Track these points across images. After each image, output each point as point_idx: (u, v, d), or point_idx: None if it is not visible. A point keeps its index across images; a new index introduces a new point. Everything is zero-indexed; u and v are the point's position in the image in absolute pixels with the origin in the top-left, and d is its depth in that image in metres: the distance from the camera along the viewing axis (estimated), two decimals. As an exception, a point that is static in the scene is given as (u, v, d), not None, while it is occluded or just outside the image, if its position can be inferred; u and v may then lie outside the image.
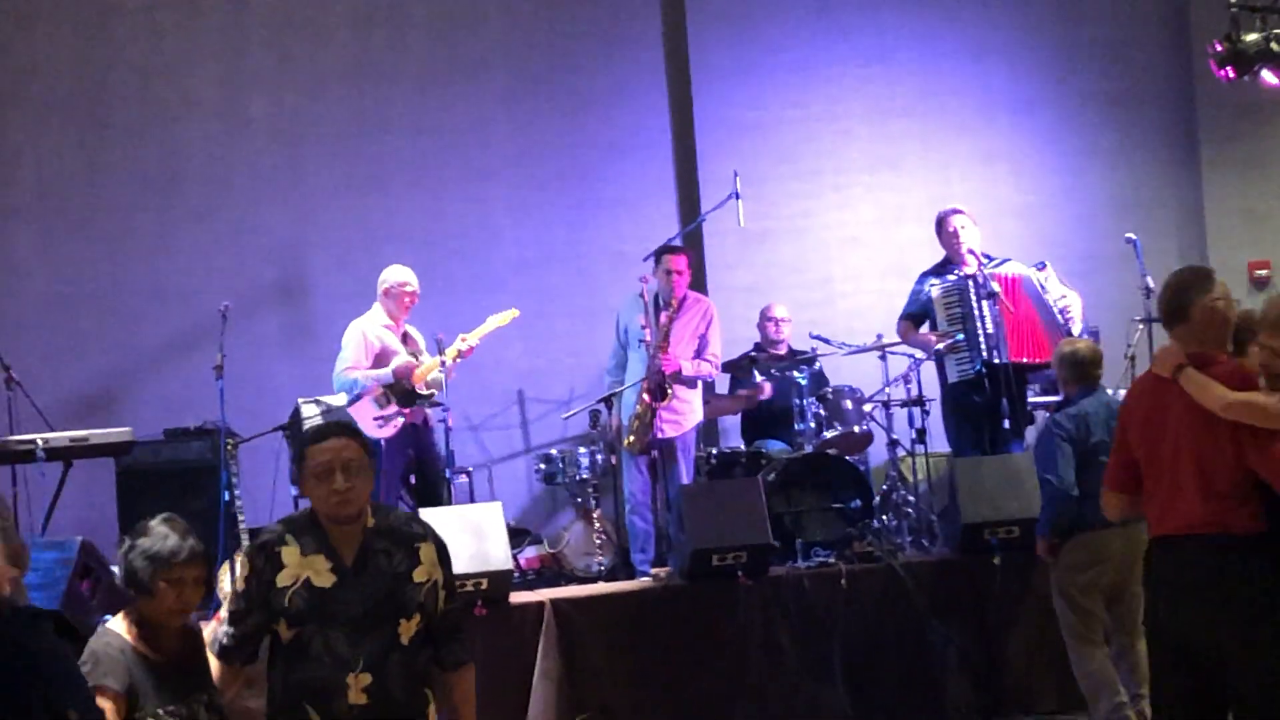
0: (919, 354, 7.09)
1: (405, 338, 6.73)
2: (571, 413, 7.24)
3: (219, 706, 3.49)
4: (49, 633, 2.84)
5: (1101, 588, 5.49)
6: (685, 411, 6.83)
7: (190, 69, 7.91)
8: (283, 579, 3.28)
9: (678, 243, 7.26)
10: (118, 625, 3.39)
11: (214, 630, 3.64)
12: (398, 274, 6.73)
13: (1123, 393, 7.14)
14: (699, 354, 6.85)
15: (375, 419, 6.63)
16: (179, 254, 7.82)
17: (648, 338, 6.66)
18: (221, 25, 7.82)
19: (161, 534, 3.25)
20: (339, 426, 3.48)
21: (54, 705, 2.75)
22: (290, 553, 3.29)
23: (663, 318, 6.74)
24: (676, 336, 6.75)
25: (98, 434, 6.85)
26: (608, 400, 6.92)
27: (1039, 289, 6.79)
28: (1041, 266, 6.90)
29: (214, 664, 3.49)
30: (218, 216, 7.82)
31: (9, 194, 7.83)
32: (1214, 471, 3.54)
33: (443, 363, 6.55)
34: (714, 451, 7.16)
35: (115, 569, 3.65)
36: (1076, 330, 6.73)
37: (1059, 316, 6.68)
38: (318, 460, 3.32)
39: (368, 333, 6.68)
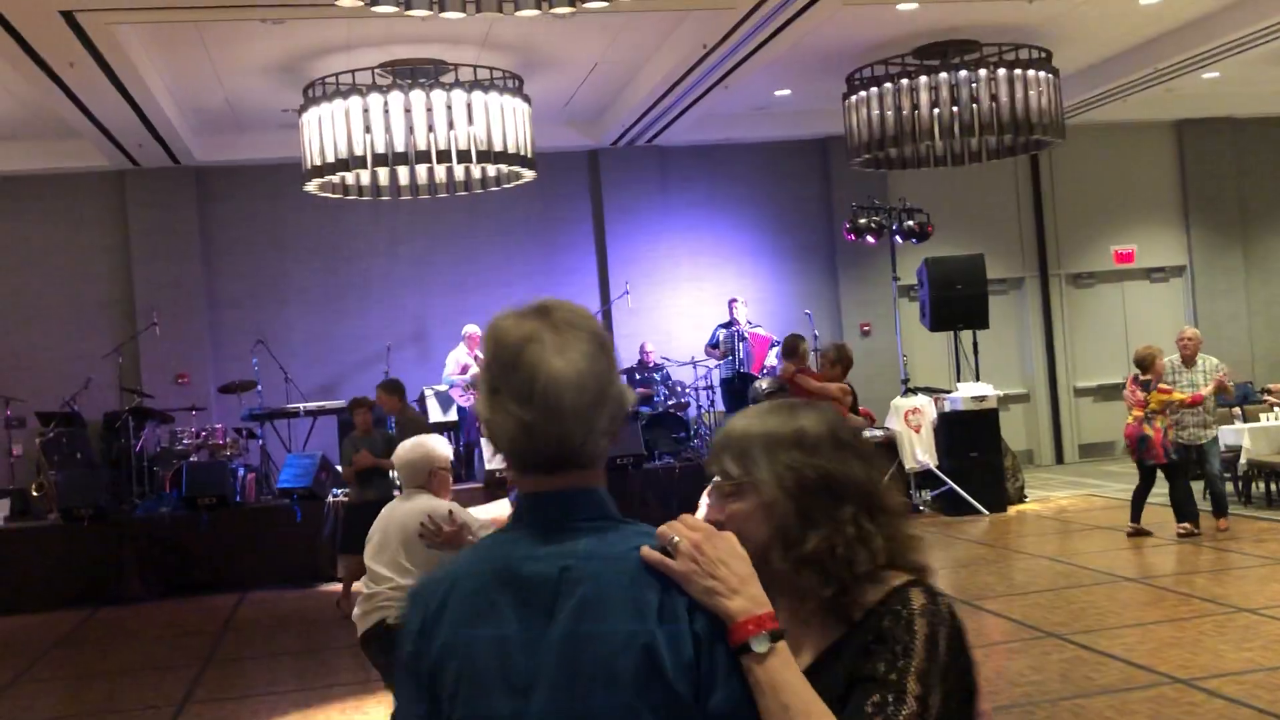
0: (713, 363, 15.06)
1: (478, 357, 14.36)
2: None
3: None
4: None
5: None
6: None
7: None
8: None
9: (596, 314, 15.24)
10: None
11: None
12: (472, 329, 14.05)
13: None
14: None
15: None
16: None
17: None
18: None
19: None
20: None
21: None
22: None
23: None
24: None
25: None
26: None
27: (766, 344, 14.79)
28: (778, 343, 14.87)
29: None
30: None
31: None
32: None
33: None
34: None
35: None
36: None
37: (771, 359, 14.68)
38: None
39: (459, 356, 14.34)
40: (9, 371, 14.43)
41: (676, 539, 1.66)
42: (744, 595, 1.64)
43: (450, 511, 4.83)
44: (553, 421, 1.68)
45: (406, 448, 5.17)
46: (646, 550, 1.66)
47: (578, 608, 1.64)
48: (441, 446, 5.24)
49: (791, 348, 11.17)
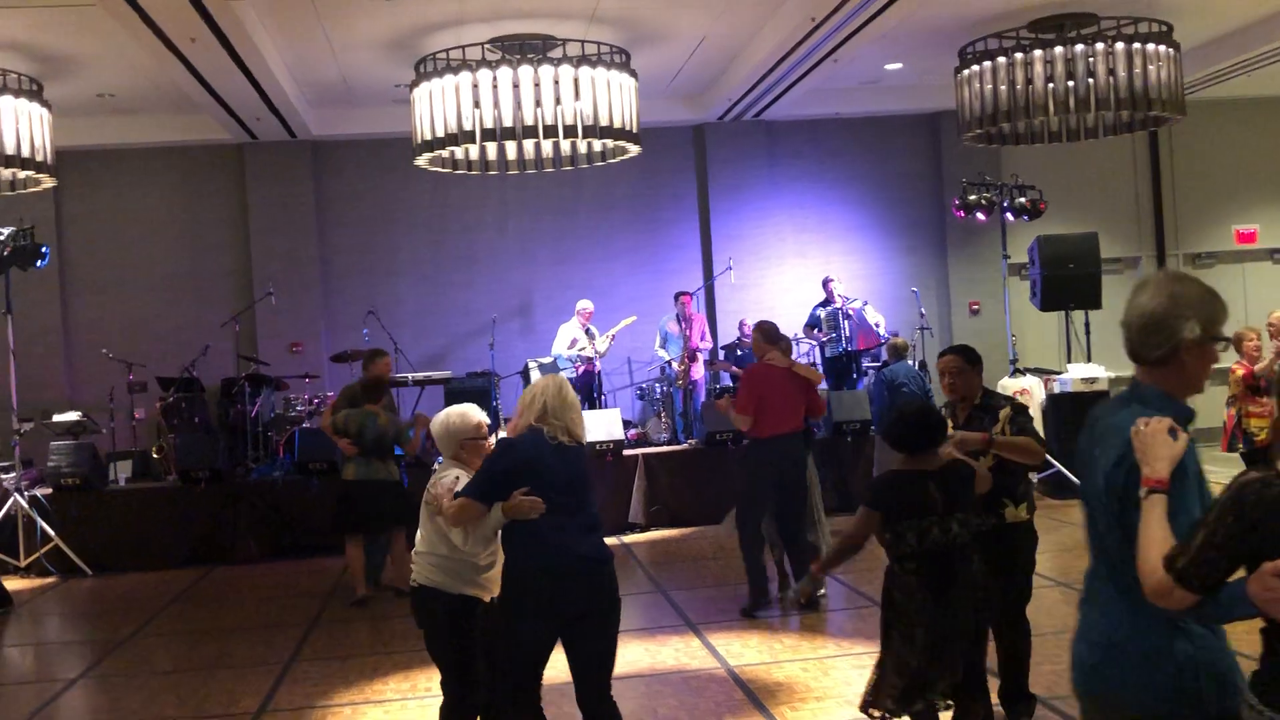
0: (813, 343, 15.05)
1: (588, 331, 14.51)
2: (652, 366, 15.11)
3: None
4: None
5: None
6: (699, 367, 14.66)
7: None
8: None
9: (699, 290, 15.21)
10: None
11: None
12: (585, 304, 14.42)
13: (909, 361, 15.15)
14: (700, 340, 14.46)
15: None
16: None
17: (684, 332, 14.59)
18: None
19: None
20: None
21: None
22: None
23: (684, 324, 14.52)
24: (692, 333, 14.38)
25: None
26: (671, 363, 14.77)
27: (862, 314, 14.75)
28: (864, 304, 14.81)
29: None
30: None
31: None
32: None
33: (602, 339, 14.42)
34: (717, 388, 15.10)
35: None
36: (883, 333, 14.71)
37: (874, 327, 14.68)
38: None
39: (570, 330, 14.43)
40: (132, 338, 14.95)
41: (1137, 427, 2.83)
42: (1151, 466, 2.77)
43: (430, 484, 4.98)
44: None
45: (435, 423, 5.13)
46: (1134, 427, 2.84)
47: (1098, 437, 3.01)
48: (466, 418, 5.11)
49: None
